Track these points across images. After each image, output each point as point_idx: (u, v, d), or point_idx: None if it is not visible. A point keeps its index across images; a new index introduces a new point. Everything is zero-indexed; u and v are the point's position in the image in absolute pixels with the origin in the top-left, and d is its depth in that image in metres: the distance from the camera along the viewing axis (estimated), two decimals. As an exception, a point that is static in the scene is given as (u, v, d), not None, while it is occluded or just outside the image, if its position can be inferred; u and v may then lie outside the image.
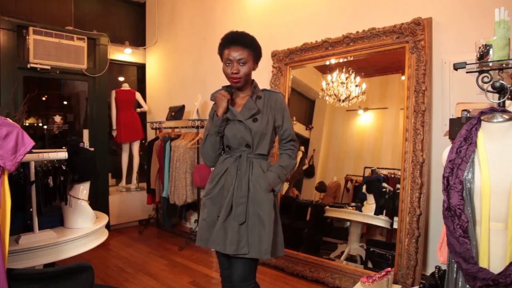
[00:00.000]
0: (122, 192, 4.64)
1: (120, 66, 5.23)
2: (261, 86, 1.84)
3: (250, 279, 1.69)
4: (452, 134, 1.54)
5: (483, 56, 1.34)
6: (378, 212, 2.71)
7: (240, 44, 1.68)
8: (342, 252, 2.83)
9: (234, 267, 1.69)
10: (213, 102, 1.81)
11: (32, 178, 2.11)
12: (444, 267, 1.53)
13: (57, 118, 4.21)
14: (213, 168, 1.80)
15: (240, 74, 1.68)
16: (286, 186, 3.29)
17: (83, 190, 2.44)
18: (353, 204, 2.88)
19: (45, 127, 4.51)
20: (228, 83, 1.81)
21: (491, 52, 1.33)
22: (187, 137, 3.99)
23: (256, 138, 1.69)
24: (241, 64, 1.68)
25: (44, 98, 4.74)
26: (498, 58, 1.32)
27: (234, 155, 1.72)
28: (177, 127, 4.25)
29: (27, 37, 3.87)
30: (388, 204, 2.67)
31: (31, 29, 3.84)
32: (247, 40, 1.71)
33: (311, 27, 3.23)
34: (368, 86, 2.90)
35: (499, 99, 1.35)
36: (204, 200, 1.76)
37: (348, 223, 2.89)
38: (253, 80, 1.80)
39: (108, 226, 3.28)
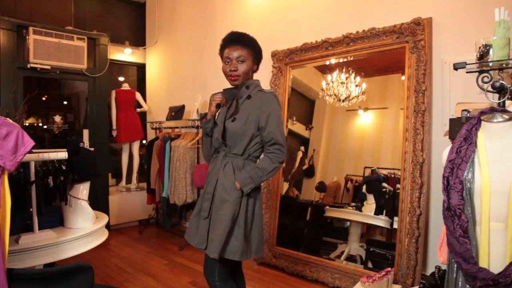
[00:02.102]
0: (122, 192, 4.64)
1: (120, 66, 5.23)
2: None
3: (212, 275, 1.71)
4: (452, 134, 1.54)
5: (483, 56, 1.34)
6: (378, 212, 2.71)
7: (239, 43, 1.71)
8: (342, 252, 2.83)
9: None
10: None
11: (32, 178, 2.11)
12: (444, 267, 1.53)
13: (57, 118, 4.21)
14: None
15: (238, 72, 1.70)
16: (286, 186, 3.30)
17: (83, 190, 2.43)
18: (353, 204, 2.88)
19: (45, 127, 4.51)
20: (229, 86, 1.81)
21: (491, 52, 1.33)
22: (187, 137, 3.99)
23: (232, 138, 1.70)
24: (239, 62, 1.70)
25: (44, 98, 4.74)
26: (498, 58, 1.32)
27: (217, 155, 1.79)
28: (177, 127, 4.25)
29: (27, 37, 3.87)
30: (388, 204, 2.67)
31: (31, 29, 3.84)
32: (246, 39, 1.74)
33: (311, 27, 3.23)
34: (368, 86, 2.90)
35: (499, 99, 1.35)
36: None
37: (348, 223, 2.89)
38: (246, 80, 1.75)
39: (108, 226, 3.28)
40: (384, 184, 2.71)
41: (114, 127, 4.63)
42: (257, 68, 1.82)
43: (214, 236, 1.64)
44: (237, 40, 1.72)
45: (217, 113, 1.82)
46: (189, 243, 1.76)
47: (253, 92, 1.73)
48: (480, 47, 1.35)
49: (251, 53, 1.73)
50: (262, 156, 1.77)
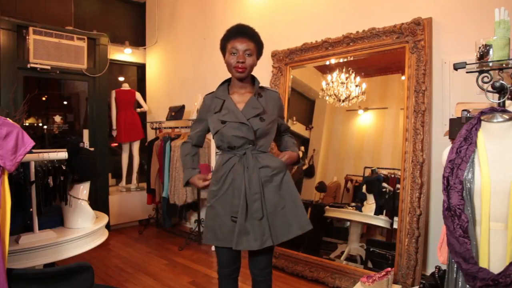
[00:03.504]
0: (122, 192, 4.64)
1: (120, 66, 5.23)
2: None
3: (270, 265, 1.78)
4: (452, 134, 1.54)
5: (483, 56, 1.34)
6: (378, 212, 2.71)
7: (247, 36, 1.69)
8: (342, 252, 2.83)
9: (254, 258, 1.74)
10: (203, 100, 1.84)
11: (32, 178, 2.11)
12: (444, 267, 1.53)
13: (57, 118, 4.21)
14: (216, 169, 1.77)
15: (246, 65, 1.67)
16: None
17: (83, 190, 2.44)
18: (353, 204, 2.88)
19: (45, 127, 4.51)
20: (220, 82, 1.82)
21: (491, 52, 1.33)
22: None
23: (262, 136, 1.70)
24: (247, 55, 1.68)
25: (44, 98, 4.74)
26: (498, 58, 1.32)
27: (237, 153, 1.69)
28: (177, 127, 4.25)
29: (27, 37, 3.87)
30: (388, 204, 2.67)
31: (31, 29, 3.84)
32: (253, 33, 1.72)
33: (311, 27, 3.23)
34: (368, 86, 2.90)
35: (499, 99, 1.35)
36: (211, 203, 1.72)
37: (348, 223, 2.89)
38: (254, 77, 1.79)
39: (108, 226, 3.28)
40: (384, 184, 2.71)
41: (114, 127, 4.63)
42: (256, 64, 1.81)
43: (296, 215, 1.69)
44: (245, 33, 1.69)
45: (213, 110, 1.75)
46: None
47: (260, 90, 1.77)
48: (480, 47, 1.35)
49: (256, 48, 1.72)
50: (283, 136, 1.97)
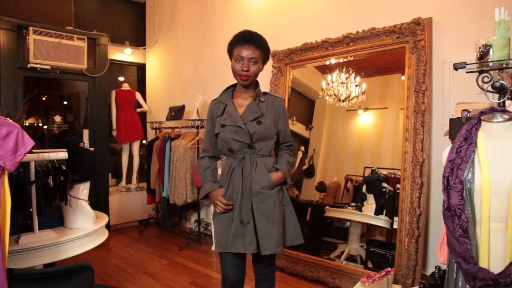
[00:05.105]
0: (122, 192, 4.64)
1: (120, 66, 5.23)
2: (261, 86, 1.85)
3: (273, 265, 1.84)
4: (452, 134, 1.54)
5: (483, 56, 1.34)
6: (378, 212, 2.71)
7: (253, 43, 1.69)
8: (342, 252, 2.83)
9: (257, 258, 1.78)
10: (209, 103, 1.85)
11: (32, 178, 2.11)
12: (444, 267, 1.53)
13: (57, 118, 4.21)
14: (221, 174, 1.80)
15: (250, 73, 1.69)
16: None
17: (83, 190, 2.43)
18: (353, 204, 2.88)
19: (45, 127, 4.51)
20: (226, 86, 1.83)
21: (491, 52, 1.33)
22: (187, 137, 3.99)
23: (259, 140, 1.71)
24: (252, 63, 1.68)
25: (44, 98, 4.74)
26: (498, 58, 1.32)
27: (237, 157, 1.72)
28: (177, 127, 4.26)
29: (27, 37, 3.87)
30: (388, 204, 2.67)
31: (31, 29, 3.84)
32: (261, 40, 1.73)
33: (311, 27, 3.23)
34: (368, 86, 2.90)
35: (499, 99, 1.35)
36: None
37: (348, 223, 2.89)
38: (257, 82, 1.80)
39: (108, 226, 3.28)
40: (384, 184, 2.71)
41: (114, 127, 4.63)
42: (262, 69, 1.82)
43: (270, 234, 1.65)
44: (252, 40, 1.70)
45: (216, 114, 1.77)
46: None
47: (263, 96, 1.79)
48: (480, 47, 1.35)
49: (262, 56, 1.73)
50: (281, 152, 1.89)
